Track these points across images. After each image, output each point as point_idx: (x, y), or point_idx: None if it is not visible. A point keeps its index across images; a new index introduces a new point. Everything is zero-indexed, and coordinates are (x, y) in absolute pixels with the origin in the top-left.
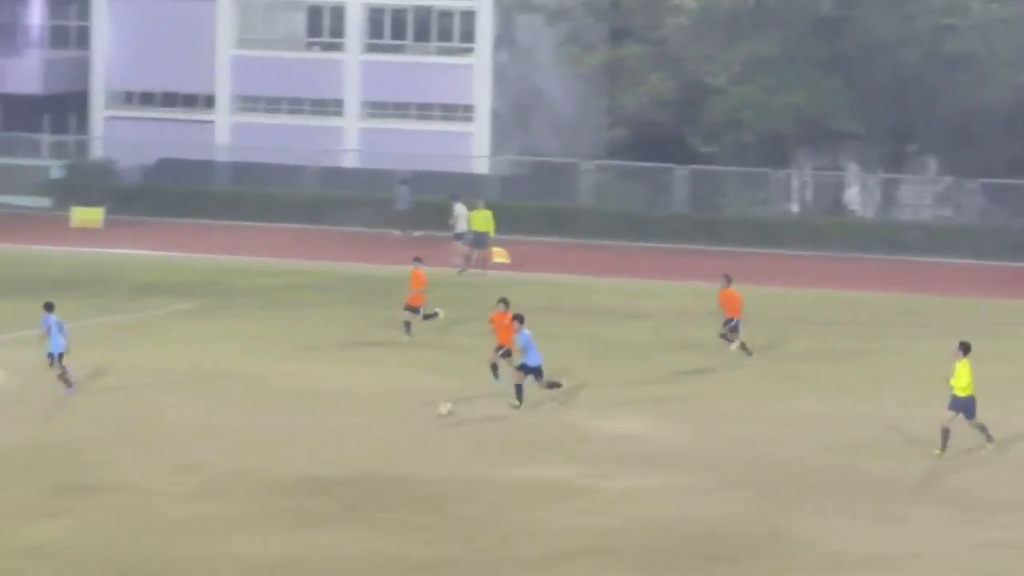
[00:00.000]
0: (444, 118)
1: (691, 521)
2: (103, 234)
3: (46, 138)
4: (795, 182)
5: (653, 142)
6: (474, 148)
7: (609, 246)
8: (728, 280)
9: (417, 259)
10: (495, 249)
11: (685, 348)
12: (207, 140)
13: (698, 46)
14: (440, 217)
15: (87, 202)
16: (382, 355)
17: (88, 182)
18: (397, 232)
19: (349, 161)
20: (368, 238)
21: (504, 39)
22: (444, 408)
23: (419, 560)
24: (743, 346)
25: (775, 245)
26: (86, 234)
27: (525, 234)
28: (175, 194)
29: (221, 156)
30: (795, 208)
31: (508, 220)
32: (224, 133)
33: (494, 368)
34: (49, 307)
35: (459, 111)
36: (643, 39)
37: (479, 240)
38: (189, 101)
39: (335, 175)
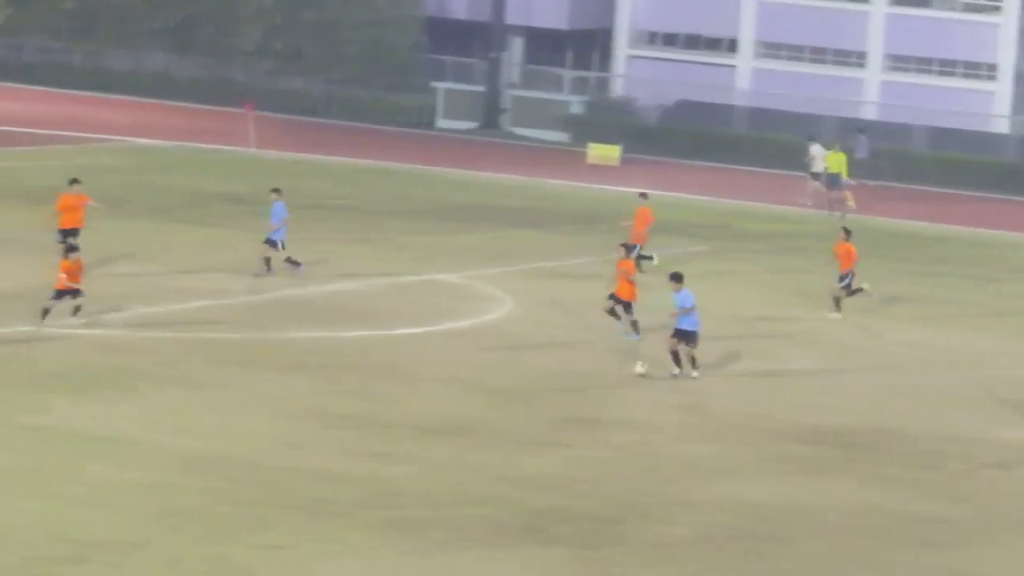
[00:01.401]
0: (967, 75)
1: None
2: (618, 171)
3: (568, 73)
4: None
5: None
6: (995, 107)
7: None
8: (848, 234)
9: (643, 195)
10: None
11: None
12: (727, 84)
13: None
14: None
15: (604, 139)
16: (888, 307)
17: (606, 119)
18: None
19: (867, 113)
20: (874, 191)
21: None
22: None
23: (916, 516)
24: (837, 301)
25: None
26: (602, 171)
27: None
28: (692, 136)
29: (740, 101)
30: None
31: None
32: (744, 78)
33: (613, 312)
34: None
35: (982, 69)
36: None
37: (832, 181)
38: (712, 45)
39: (854, 127)
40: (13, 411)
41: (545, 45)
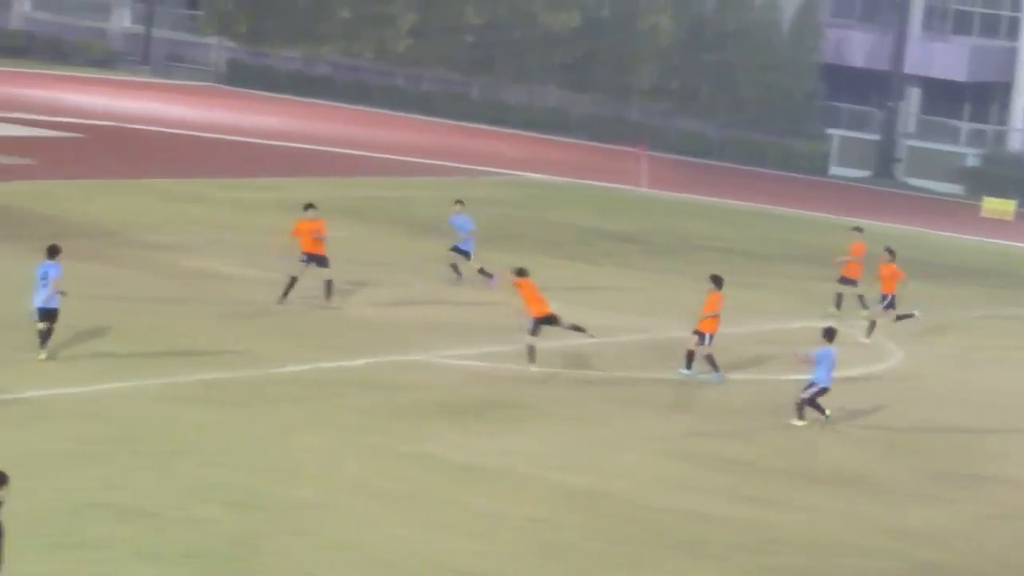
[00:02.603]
0: None
1: None
2: (1013, 226)
3: (964, 125)
4: None
5: None
6: None
7: None
8: (892, 254)
9: (858, 228)
10: None
11: None
12: None
13: None
14: None
15: (1000, 193)
16: None
17: (1003, 173)
18: None
19: None
20: None
21: None
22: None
23: None
24: (873, 324)
25: None
26: (995, 225)
27: None
28: None
29: None
30: None
31: None
32: None
33: (689, 356)
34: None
35: None
36: None
37: None
38: None
39: None
40: (395, 439)
41: (942, 96)
